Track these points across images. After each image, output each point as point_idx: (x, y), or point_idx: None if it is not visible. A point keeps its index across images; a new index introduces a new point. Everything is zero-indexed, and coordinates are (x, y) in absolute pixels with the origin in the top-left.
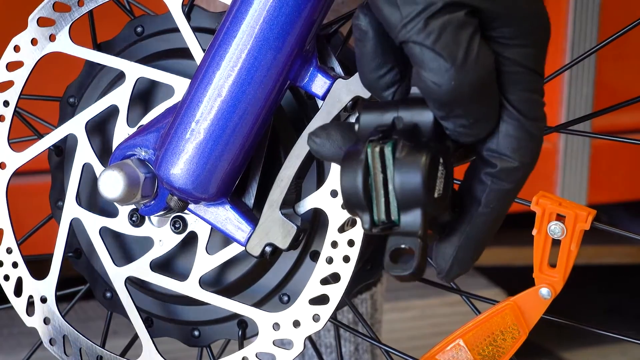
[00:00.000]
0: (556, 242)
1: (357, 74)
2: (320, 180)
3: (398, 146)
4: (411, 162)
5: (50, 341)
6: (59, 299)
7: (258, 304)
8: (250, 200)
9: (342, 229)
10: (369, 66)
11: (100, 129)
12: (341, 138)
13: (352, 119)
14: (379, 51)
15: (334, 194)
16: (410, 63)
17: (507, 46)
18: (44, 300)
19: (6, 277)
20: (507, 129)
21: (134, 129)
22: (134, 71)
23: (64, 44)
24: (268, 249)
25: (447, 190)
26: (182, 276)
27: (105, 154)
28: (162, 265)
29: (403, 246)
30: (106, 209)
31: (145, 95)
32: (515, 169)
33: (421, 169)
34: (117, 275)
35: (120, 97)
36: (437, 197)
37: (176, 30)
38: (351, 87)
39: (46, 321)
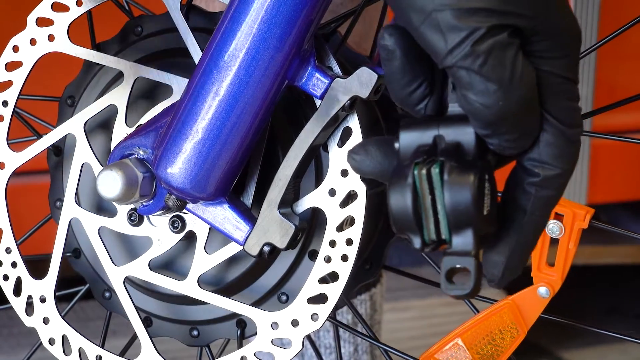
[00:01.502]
0: (554, 241)
1: (354, 74)
2: (319, 180)
3: (445, 168)
4: (461, 184)
5: (50, 341)
6: (58, 299)
7: (257, 304)
8: (248, 199)
9: (340, 228)
10: (399, 84)
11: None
12: (380, 154)
13: (350, 120)
14: (407, 68)
15: (332, 192)
16: (437, 74)
17: (546, 59)
18: (43, 300)
19: (5, 277)
20: (547, 139)
21: (133, 129)
22: (132, 71)
23: (62, 43)
24: (266, 248)
25: (494, 205)
26: (181, 275)
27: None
28: (161, 265)
29: (458, 266)
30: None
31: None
32: (558, 175)
33: (471, 190)
34: (115, 274)
35: (118, 96)
36: (486, 214)
37: (175, 30)
38: (349, 87)
39: (45, 321)
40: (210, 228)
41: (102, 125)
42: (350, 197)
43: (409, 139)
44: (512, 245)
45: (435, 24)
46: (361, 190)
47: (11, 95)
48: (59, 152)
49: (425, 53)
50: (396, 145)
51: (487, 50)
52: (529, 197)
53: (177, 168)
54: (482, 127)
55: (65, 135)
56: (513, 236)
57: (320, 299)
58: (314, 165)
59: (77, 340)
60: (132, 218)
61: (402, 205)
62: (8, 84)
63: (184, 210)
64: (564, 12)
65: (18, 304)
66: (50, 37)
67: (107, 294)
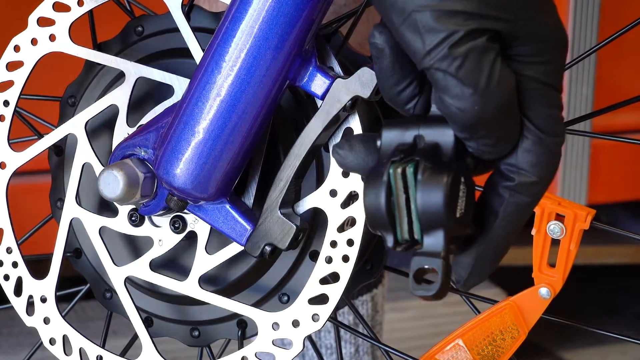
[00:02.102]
0: (555, 242)
1: (356, 74)
2: (320, 180)
3: (420, 168)
4: (433, 185)
5: (51, 341)
6: (59, 299)
7: (257, 304)
8: (249, 199)
9: (341, 229)
10: (389, 82)
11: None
12: (364, 150)
13: (352, 120)
14: (397, 67)
15: (333, 193)
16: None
17: (527, 64)
18: (44, 300)
19: (6, 277)
20: (526, 145)
21: (134, 129)
22: (133, 71)
23: (64, 43)
24: (267, 248)
25: (469, 207)
26: (182, 276)
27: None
28: (162, 265)
29: (426, 267)
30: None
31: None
32: (533, 183)
33: (443, 192)
34: (116, 274)
35: (120, 96)
36: (460, 216)
37: (176, 30)
38: (350, 87)
39: (46, 321)
40: (211, 228)
41: (103, 125)
42: (352, 197)
43: (390, 137)
44: (481, 249)
45: (414, 25)
46: (362, 190)
47: (12, 95)
48: (60, 152)
49: None
50: (378, 142)
51: (463, 53)
52: (501, 201)
53: (179, 168)
54: (459, 130)
55: (67, 135)
56: (482, 239)
57: (321, 299)
58: (315, 166)
59: (77, 340)
60: (133, 218)
61: (376, 203)
62: (9, 84)
63: (185, 211)
64: (548, 16)
65: (19, 304)
66: (52, 37)
67: (108, 294)
